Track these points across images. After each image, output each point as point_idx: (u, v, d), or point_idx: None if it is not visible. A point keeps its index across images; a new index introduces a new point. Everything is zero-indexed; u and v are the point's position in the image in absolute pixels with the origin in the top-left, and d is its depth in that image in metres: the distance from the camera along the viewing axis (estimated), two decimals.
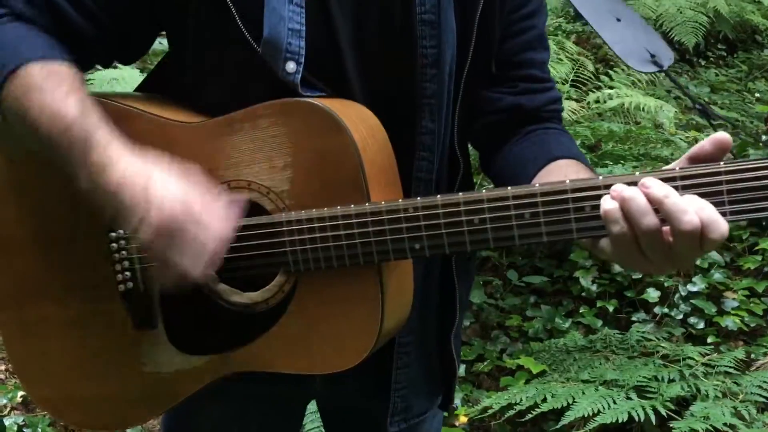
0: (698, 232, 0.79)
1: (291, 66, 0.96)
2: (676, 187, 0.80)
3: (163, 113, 1.00)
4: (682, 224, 0.79)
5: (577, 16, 5.41)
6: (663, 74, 5.33)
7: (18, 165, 1.04)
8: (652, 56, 1.00)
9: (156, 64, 1.12)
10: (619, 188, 0.80)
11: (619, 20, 1.00)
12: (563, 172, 0.98)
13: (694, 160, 0.84)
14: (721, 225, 0.79)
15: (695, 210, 0.79)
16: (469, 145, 1.19)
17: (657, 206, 0.79)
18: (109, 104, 0.99)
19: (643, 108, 4.26)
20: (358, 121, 0.96)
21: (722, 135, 0.82)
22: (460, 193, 0.90)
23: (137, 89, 1.12)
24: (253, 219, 0.96)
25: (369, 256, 0.93)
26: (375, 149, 0.97)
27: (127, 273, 1.01)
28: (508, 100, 1.11)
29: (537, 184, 0.88)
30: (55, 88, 0.91)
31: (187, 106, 1.03)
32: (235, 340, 1.00)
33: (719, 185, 0.80)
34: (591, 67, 5.26)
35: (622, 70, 5.08)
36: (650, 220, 0.79)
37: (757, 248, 2.80)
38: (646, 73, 4.92)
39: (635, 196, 0.79)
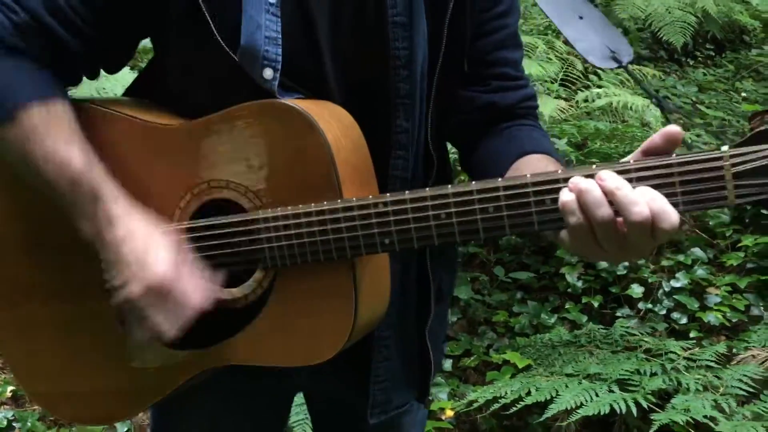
0: (649, 223, 0.83)
1: (268, 73, 0.99)
2: (630, 179, 0.84)
3: (147, 117, 1.03)
4: (632, 215, 0.83)
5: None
6: (651, 74, 5.35)
7: (11, 177, 1.06)
8: (613, 53, 1.06)
9: (144, 66, 1.16)
10: (576, 181, 0.84)
11: (581, 18, 1.04)
12: (533, 167, 1.02)
13: (648, 153, 0.88)
14: (671, 215, 0.83)
15: (646, 201, 0.83)
16: (448, 144, 1.23)
17: (610, 198, 0.83)
18: (97, 109, 1.02)
19: (630, 107, 4.30)
20: (333, 121, 0.99)
21: (672, 128, 0.85)
22: (427, 189, 0.94)
23: (127, 91, 1.15)
24: (231, 217, 0.99)
25: (342, 251, 0.96)
26: (349, 148, 1.00)
27: None
28: (483, 99, 1.14)
29: (500, 179, 0.91)
30: (57, 135, 0.96)
31: (171, 110, 1.06)
32: (217, 335, 1.03)
33: (671, 177, 0.84)
34: (580, 66, 5.29)
35: (611, 68, 5.12)
36: (604, 211, 0.83)
37: (739, 245, 2.85)
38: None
39: (591, 188, 0.83)
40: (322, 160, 0.95)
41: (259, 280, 1.00)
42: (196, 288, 0.97)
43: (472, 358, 2.67)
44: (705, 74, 6.08)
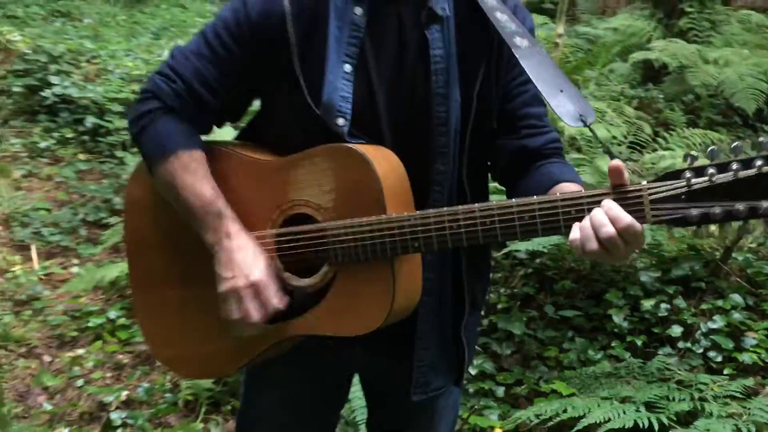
0: (616, 238, 1.18)
1: (341, 121, 1.39)
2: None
3: (251, 154, 1.46)
4: (601, 233, 1.19)
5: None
6: (717, 137, 5.54)
7: (154, 192, 1.50)
8: (581, 116, 1.39)
9: (249, 121, 1.60)
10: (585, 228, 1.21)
11: (562, 91, 1.40)
12: (565, 190, 1.35)
13: (615, 186, 1.24)
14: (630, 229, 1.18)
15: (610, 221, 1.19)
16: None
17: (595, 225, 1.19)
18: (220, 148, 1.46)
19: None
20: (383, 160, 1.37)
21: (613, 163, 1.20)
22: (445, 208, 1.31)
23: (238, 137, 1.59)
24: (309, 226, 1.39)
25: (384, 252, 1.33)
26: (394, 181, 1.37)
27: None
28: (515, 144, 1.49)
29: (495, 201, 1.29)
30: (196, 172, 1.40)
31: (267, 149, 1.47)
32: (294, 312, 1.42)
33: (639, 199, 1.20)
34: (648, 130, 5.53)
35: (678, 133, 5.35)
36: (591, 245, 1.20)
37: None
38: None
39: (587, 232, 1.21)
40: (374, 188, 1.34)
41: (325, 272, 1.39)
42: (271, 297, 1.37)
43: (522, 387, 2.96)
44: None
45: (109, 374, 3.31)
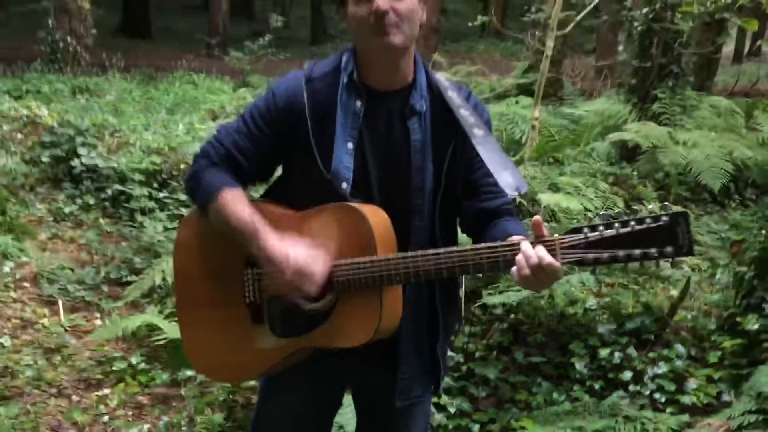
0: (530, 276, 1.66)
1: (344, 185, 1.88)
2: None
3: (276, 209, 1.94)
4: (522, 272, 1.68)
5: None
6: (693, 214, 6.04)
7: (198, 232, 1.99)
8: (517, 187, 1.89)
9: (271, 183, 2.08)
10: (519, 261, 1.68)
11: (505, 169, 1.92)
12: (513, 240, 1.80)
13: (537, 236, 1.73)
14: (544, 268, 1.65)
15: (526, 260, 1.67)
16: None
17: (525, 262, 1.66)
18: (255, 203, 1.96)
19: None
20: (374, 215, 1.85)
21: (535, 218, 1.70)
22: (419, 251, 1.80)
23: (263, 195, 2.06)
24: None
25: (374, 283, 1.81)
26: (383, 231, 1.85)
27: (250, 291, 1.93)
28: (477, 206, 1.96)
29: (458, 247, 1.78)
30: (237, 203, 1.86)
31: (286, 204, 1.94)
32: (304, 329, 1.89)
33: (553, 246, 1.67)
34: (621, 204, 6.05)
35: (651, 209, 5.87)
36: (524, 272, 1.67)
37: (720, 346, 3.51)
38: None
39: (520, 259, 1.68)
40: (367, 236, 1.82)
41: (329, 299, 1.87)
42: (317, 271, 1.78)
43: (495, 425, 3.39)
44: (743, 215, 6.68)
45: (130, 412, 3.72)
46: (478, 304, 3.67)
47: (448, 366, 2.27)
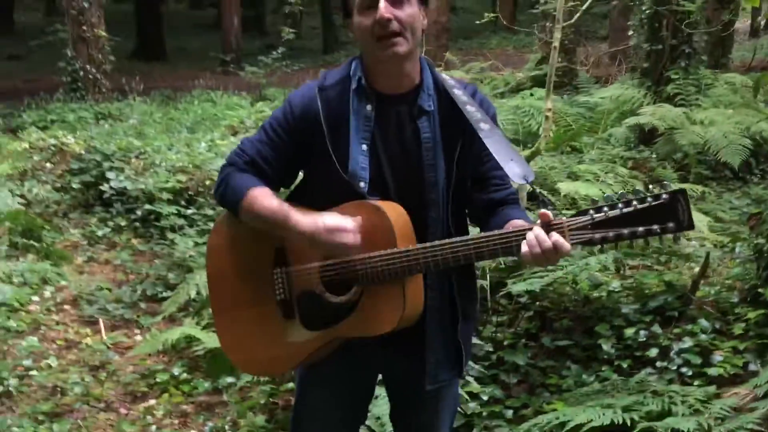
0: (540, 254, 1.78)
1: (362, 185, 2.01)
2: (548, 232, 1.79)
3: (300, 208, 2.07)
4: (534, 250, 1.79)
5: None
6: (700, 190, 6.01)
7: (228, 236, 2.13)
8: (524, 176, 2.00)
9: (293, 187, 2.20)
10: (528, 237, 1.80)
11: (512, 159, 2.02)
12: (515, 225, 1.93)
13: (546, 224, 1.83)
14: (558, 247, 1.77)
15: (539, 243, 1.78)
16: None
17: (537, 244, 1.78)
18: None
19: None
20: (393, 210, 1.97)
21: (541, 211, 1.81)
22: (436, 242, 1.92)
23: (286, 199, 2.16)
24: (343, 258, 1.99)
25: (396, 274, 1.93)
26: (401, 224, 1.97)
27: (281, 289, 2.06)
28: (485, 197, 2.10)
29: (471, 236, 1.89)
30: (265, 197, 2.01)
31: (309, 205, 2.06)
32: (333, 321, 2.01)
33: (561, 228, 1.79)
34: (641, 187, 6.09)
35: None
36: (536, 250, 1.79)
37: (745, 318, 3.57)
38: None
39: (531, 239, 1.80)
40: (387, 230, 1.94)
41: (355, 291, 1.99)
42: (349, 224, 1.92)
43: (528, 409, 3.48)
44: (765, 188, 6.69)
45: (176, 420, 3.87)
46: (502, 292, 3.76)
47: (472, 352, 2.37)
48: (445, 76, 2.11)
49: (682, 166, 7.13)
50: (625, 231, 1.76)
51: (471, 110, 2.03)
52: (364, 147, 1.99)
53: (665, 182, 1.81)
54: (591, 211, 1.80)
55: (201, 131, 9.40)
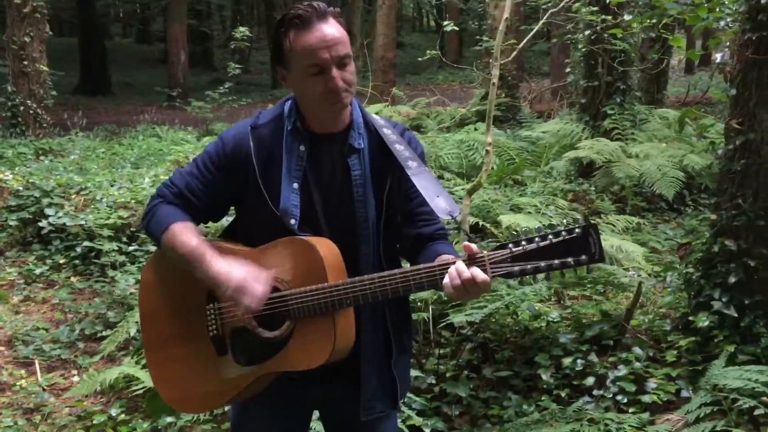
0: (461, 286, 1.82)
1: (293, 221, 2.03)
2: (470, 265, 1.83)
3: (233, 246, 2.07)
4: (454, 282, 1.83)
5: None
6: (636, 221, 6.21)
7: (161, 273, 2.11)
8: (450, 212, 2.05)
9: (227, 225, 2.21)
10: (450, 271, 1.84)
11: (438, 196, 2.08)
12: (440, 260, 1.97)
13: (470, 257, 1.88)
14: (471, 280, 1.82)
15: (459, 275, 1.82)
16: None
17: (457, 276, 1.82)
18: (211, 240, 2.09)
19: (620, 248, 5.22)
20: (324, 246, 1.99)
21: (465, 244, 1.86)
22: (365, 276, 1.94)
23: (221, 235, 2.19)
24: (276, 294, 2.01)
25: (327, 308, 1.94)
26: (332, 260, 1.99)
27: (213, 325, 2.05)
28: (414, 232, 2.13)
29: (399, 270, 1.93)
30: (186, 233, 2.00)
31: (242, 242, 2.08)
32: (265, 356, 2.00)
33: (483, 261, 1.84)
34: (580, 218, 6.24)
35: (603, 219, 6.09)
36: (455, 282, 1.83)
37: (676, 345, 3.68)
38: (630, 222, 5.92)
39: (453, 274, 1.83)
40: (318, 265, 1.96)
41: (287, 326, 2.00)
42: (257, 284, 1.92)
43: None
44: (698, 220, 6.91)
45: None
46: (442, 324, 3.80)
47: (414, 385, 2.39)
48: (374, 116, 2.17)
49: (619, 198, 7.35)
50: (542, 264, 1.83)
51: (399, 149, 2.09)
52: (295, 185, 2.03)
53: (578, 218, 1.89)
54: (510, 245, 1.86)
55: (145, 166, 9.31)
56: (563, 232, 1.80)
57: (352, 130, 2.08)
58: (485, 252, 1.87)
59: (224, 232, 2.20)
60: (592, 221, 1.84)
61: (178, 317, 2.10)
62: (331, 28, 1.94)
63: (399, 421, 3.29)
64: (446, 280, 1.86)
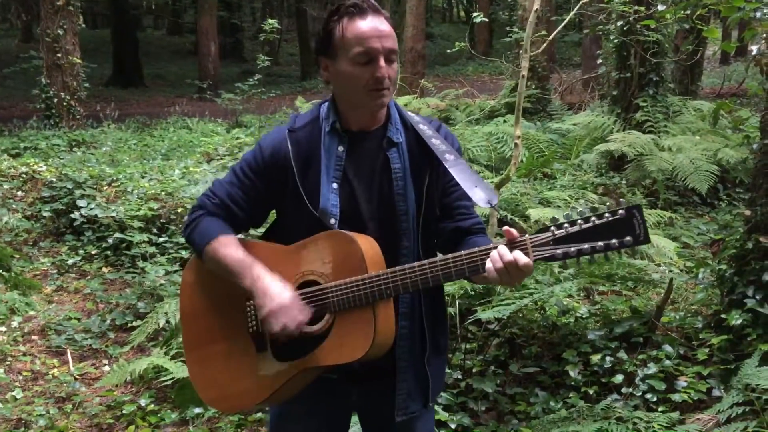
0: (503, 269, 1.81)
1: (333, 221, 2.02)
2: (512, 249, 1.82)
3: (272, 245, 2.06)
4: (496, 265, 1.81)
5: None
6: (667, 216, 6.13)
7: (201, 272, 2.12)
8: (489, 201, 2.04)
9: (266, 229, 2.21)
10: (492, 255, 1.83)
11: (476, 186, 2.07)
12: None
13: (510, 241, 1.87)
14: (517, 264, 1.80)
15: (501, 258, 1.81)
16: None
17: (502, 260, 1.81)
18: (252, 242, 2.08)
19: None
20: (363, 239, 1.98)
21: (504, 228, 1.84)
22: (406, 266, 1.92)
23: (262, 237, 2.19)
24: (316, 287, 1.99)
25: (367, 299, 1.91)
26: (372, 253, 1.97)
27: (253, 322, 2.05)
28: (452, 225, 2.12)
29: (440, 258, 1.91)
30: (232, 245, 2.02)
31: (283, 241, 2.08)
32: (305, 351, 1.99)
33: (524, 245, 1.82)
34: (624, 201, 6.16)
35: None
36: (498, 265, 1.82)
37: (708, 343, 3.61)
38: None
39: (495, 257, 1.82)
40: (358, 256, 1.94)
41: (327, 319, 1.98)
42: (300, 312, 1.94)
43: None
44: (732, 214, 6.80)
45: None
46: (471, 319, 3.78)
47: (444, 382, 2.39)
48: (410, 113, 2.18)
49: (651, 192, 7.24)
50: (586, 246, 1.80)
51: (436, 143, 2.09)
52: (335, 185, 2.03)
53: (622, 199, 1.85)
54: (553, 228, 1.83)
55: (175, 158, 9.39)
56: (607, 214, 1.78)
57: (390, 124, 2.09)
58: (527, 236, 1.86)
59: (264, 235, 2.21)
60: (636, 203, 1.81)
61: (218, 315, 2.11)
62: (384, 24, 1.97)
63: None
64: (488, 264, 1.85)
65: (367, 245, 1.97)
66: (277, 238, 2.11)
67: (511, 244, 1.85)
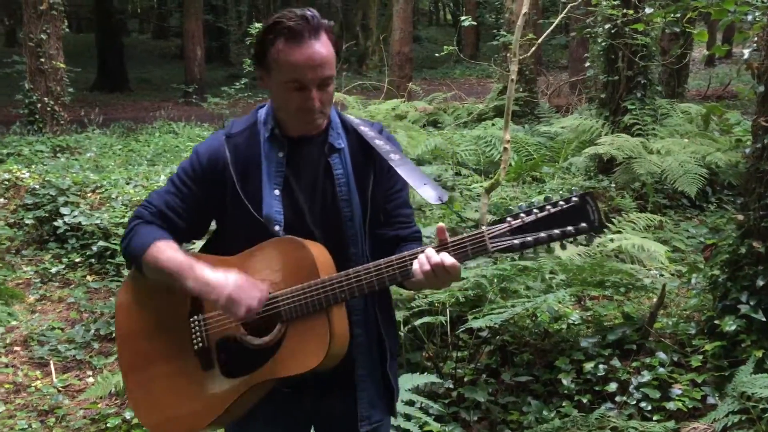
0: (431, 272, 1.78)
1: (277, 228, 1.96)
2: (446, 250, 1.79)
3: (216, 258, 1.97)
4: (423, 267, 1.79)
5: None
6: (658, 219, 6.08)
7: (138, 292, 2.04)
8: (440, 197, 2.00)
9: (206, 240, 2.13)
10: (420, 258, 1.81)
11: (425, 184, 2.04)
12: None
13: (441, 242, 1.83)
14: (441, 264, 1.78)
15: (428, 260, 1.78)
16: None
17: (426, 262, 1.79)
18: (194, 254, 2.00)
19: (641, 247, 5.11)
20: (313, 245, 1.92)
21: (438, 225, 1.81)
22: (353, 269, 1.87)
23: (201, 249, 2.11)
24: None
25: (321, 304, 1.85)
26: (323, 259, 1.92)
27: (198, 338, 1.97)
28: (391, 233, 2.08)
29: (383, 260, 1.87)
30: (170, 249, 1.94)
31: (225, 253, 2.00)
32: (255, 365, 1.91)
33: (465, 242, 1.79)
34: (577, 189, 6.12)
35: (625, 217, 5.97)
36: (425, 267, 1.79)
37: (701, 350, 3.57)
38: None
39: (422, 260, 1.80)
40: (309, 261, 1.89)
41: (278, 329, 1.90)
42: (256, 289, 1.87)
43: None
44: (721, 217, 6.78)
45: None
46: (462, 328, 3.72)
47: (399, 389, 2.33)
48: (350, 116, 2.14)
49: (640, 195, 7.21)
50: (543, 234, 1.78)
51: (380, 144, 2.06)
52: (277, 192, 1.99)
53: (574, 188, 1.83)
54: (509, 219, 1.81)
55: (161, 163, 9.29)
56: (561, 202, 1.77)
57: (331, 129, 2.05)
58: (484, 227, 1.82)
59: (205, 248, 2.14)
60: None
61: (159, 335, 2.03)
62: (321, 47, 1.90)
63: (417, 426, 3.22)
64: (415, 266, 1.84)
65: (318, 251, 1.93)
66: (218, 251, 2.04)
67: (440, 246, 1.84)
